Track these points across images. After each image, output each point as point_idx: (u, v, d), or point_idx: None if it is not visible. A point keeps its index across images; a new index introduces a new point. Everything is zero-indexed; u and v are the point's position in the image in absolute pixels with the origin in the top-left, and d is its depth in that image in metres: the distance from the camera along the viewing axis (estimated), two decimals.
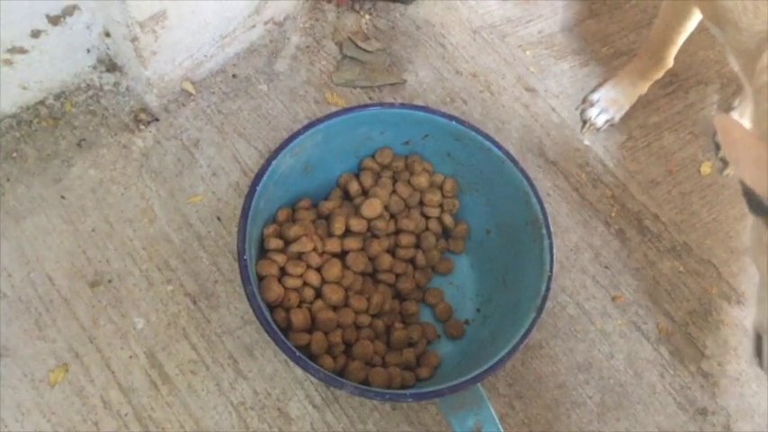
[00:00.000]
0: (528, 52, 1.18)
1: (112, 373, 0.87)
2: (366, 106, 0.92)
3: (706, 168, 1.12)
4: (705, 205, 1.09)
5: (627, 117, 1.13)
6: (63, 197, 0.97)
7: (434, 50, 1.15)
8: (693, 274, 1.02)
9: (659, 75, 1.09)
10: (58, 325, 0.88)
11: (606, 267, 1.01)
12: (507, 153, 0.90)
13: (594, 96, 1.13)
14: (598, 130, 1.11)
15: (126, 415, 0.85)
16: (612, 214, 1.05)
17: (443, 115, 0.91)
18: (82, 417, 0.84)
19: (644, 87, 1.12)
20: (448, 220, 0.94)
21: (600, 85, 1.14)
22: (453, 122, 0.91)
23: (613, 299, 0.99)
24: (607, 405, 0.92)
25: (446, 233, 0.96)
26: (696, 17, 0.97)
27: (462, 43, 1.16)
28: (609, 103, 1.11)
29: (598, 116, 1.11)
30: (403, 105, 0.93)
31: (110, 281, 0.92)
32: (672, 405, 0.94)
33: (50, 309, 0.89)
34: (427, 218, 0.94)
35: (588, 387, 0.93)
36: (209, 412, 0.86)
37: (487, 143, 0.90)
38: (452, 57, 1.15)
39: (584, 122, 1.12)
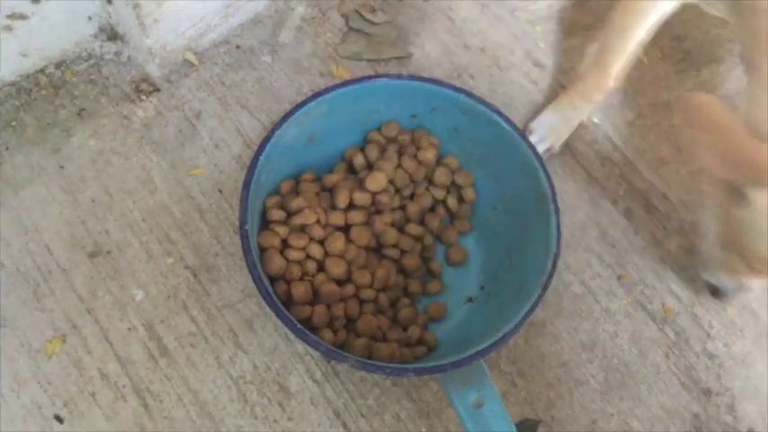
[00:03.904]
0: (537, 27, 1.15)
1: (110, 344, 0.86)
2: (374, 77, 0.90)
3: None
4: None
5: (636, 94, 1.11)
6: (62, 167, 0.95)
7: (442, 24, 1.13)
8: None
9: (602, 96, 1.01)
10: (56, 296, 0.87)
11: (612, 246, 1.00)
12: (516, 127, 0.88)
13: (533, 124, 1.04)
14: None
15: (124, 387, 0.84)
16: (620, 193, 1.04)
17: (452, 88, 0.90)
18: (79, 388, 0.83)
19: (587, 111, 1.04)
20: (452, 202, 0.93)
21: (540, 111, 1.05)
22: (462, 95, 0.89)
23: (619, 278, 0.98)
24: (610, 384, 0.91)
25: (451, 214, 0.94)
26: (663, 9, 0.89)
27: (471, 17, 1.14)
28: (548, 132, 1.03)
29: (537, 146, 0.99)
30: (411, 77, 0.92)
31: (109, 252, 0.91)
32: (676, 385, 0.93)
33: (48, 279, 0.88)
34: (434, 199, 0.93)
35: (591, 366, 0.92)
36: (207, 385, 0.85)
37: (496, 117, 0.88)
38: (460, 30, 1.13)
39: None
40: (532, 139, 1.02)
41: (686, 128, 0.73)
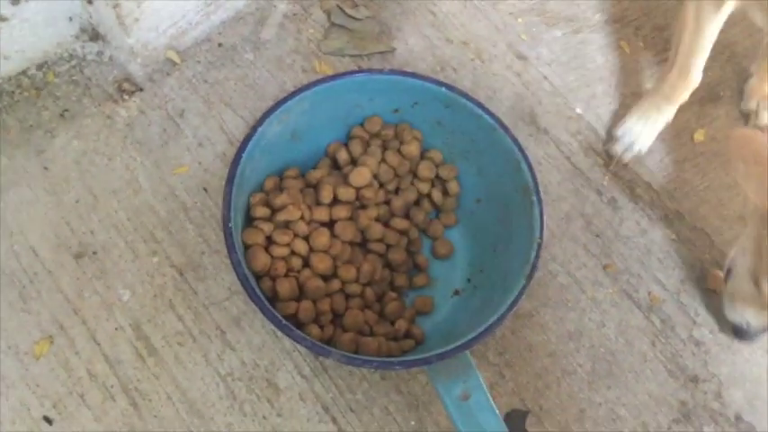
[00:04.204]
0: (520, 19, 1.16)
1: (98, 345, 0.86)
2: (354, 72, 0.91)
3: (699, 136, 1.10)
4: (698, 173, 1.08)
5: (619, 84, 1.12)
6: (46, 168, 0.95)
7: (424, 18, 1.13)
8: (686, 242, 1.02)
9: (686, 95, 1.01)
10: (42, 297, 0.87)
11: (598, 236, 1.00)
12: (498, 120, 0.88)
13: (619, 131, 1.05)
14: (626, 165, 1.05)
15: (112, 387, 0.84)
16: (604, 182, 1.04)
17: (433, 82, 0.90)
18: (67, 389, 0.83)
19: (670, 113, 1.04)
20: (437, 196, 0.93)
21: (622, 116, 1.06)
22: (443, 89, 0.90)
23: (605, 267, 0.98)
24: (598, 373, 0.92)
25: (437, 208, 0.94)
26: (726, 12, 0.90)
27: (453, 10, 1.14)
28: (636, 136, 1.04)
29: (626, 151, 1.04)
30: (392, 72, 0.92)
31: (94, 252, 0.90)
32: (663, 373, 0.93)
33: (34, 281, 0.88)
34: (419, 192, 0.93)
35: (579, 355, 0.93)
36: (196, 383, 0.85)
37: (478, 110, 0.89)
38: (443, 24, 1.13)
39: (611, 158, 1.05)
40: (621, 144, 1.04)
41: (734, 160, 0.76)
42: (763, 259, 0.81)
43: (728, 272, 0.92)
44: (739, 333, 0.93)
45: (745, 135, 0.74)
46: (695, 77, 0.99)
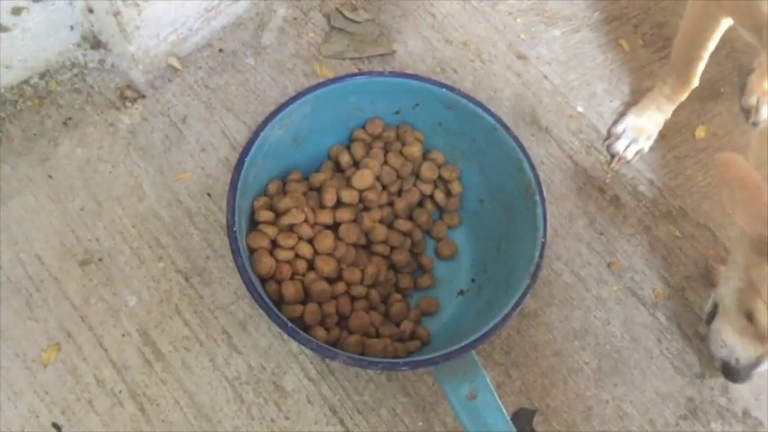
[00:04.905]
0: (519, 19, 1.16)
1: (105, 351, 0.86)
2: (354, 75, 0.91)
3: (700, 132, 1.10)
4: (700, 169, 1.08)
5: (619, 82, 1.12)
6: (50, 177, 0.95)
7: (424, 20, 1.14)
8: (689, 239, 1.02)
9: (685, 96, 1.04)
10: (48, 305, 0.88)
11: (601, 234, 1.00)
12: (499, 120, 0.89)
13: (619, 128, 1.06)
14: (628, 162, 1.06)
15: (120, 392, 0.84)
16: (607, 180, 1.04)
17: (434, 83, 0.90)
18: (76, 395, 0.83)
19: (670, 111, 1.06)
20: (439, 197, 0.93)
21: (623, 114, 1.08)
22: (444, 90, 0.90)
23: (609, 265, 0.98)
24: (604, 371, 0.92)
25: (440, 209, 0.95)
26: (723, 28, 0.92)
27: (452, 12, 1.15)
28: (637, 133, 1.05)
29: (627, 149, 1.05)
30: (392, 74, 0.92)
31: (100, 259, 0.91)
32: (669, 369, 0.93)
33: (41, 289, 0.88)
34: (421, 194, 0.93)
35: (585, 353, 0.93)
36: (203, 387, 0.85)
37: (479, 110, 0.89)
38: (442, 26, 1.13)
39: (613, 156, 1.05)
40: (621, 143, 1.05)
41: (720, 186, 0.76)
42: (755, 288, 0.78)
43: (712, 311, 0.90)
44: (728, 370, 0.88)
45: (728, 160, 0.73)
46: (694, 81, 1.01)
